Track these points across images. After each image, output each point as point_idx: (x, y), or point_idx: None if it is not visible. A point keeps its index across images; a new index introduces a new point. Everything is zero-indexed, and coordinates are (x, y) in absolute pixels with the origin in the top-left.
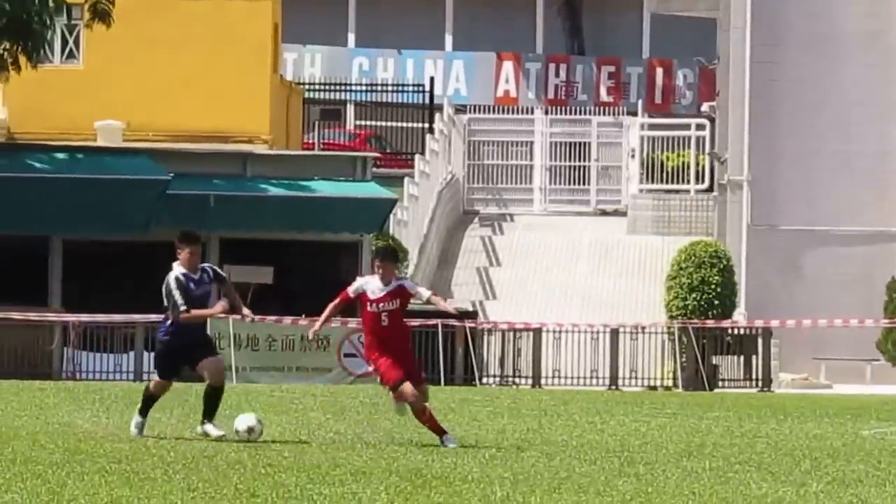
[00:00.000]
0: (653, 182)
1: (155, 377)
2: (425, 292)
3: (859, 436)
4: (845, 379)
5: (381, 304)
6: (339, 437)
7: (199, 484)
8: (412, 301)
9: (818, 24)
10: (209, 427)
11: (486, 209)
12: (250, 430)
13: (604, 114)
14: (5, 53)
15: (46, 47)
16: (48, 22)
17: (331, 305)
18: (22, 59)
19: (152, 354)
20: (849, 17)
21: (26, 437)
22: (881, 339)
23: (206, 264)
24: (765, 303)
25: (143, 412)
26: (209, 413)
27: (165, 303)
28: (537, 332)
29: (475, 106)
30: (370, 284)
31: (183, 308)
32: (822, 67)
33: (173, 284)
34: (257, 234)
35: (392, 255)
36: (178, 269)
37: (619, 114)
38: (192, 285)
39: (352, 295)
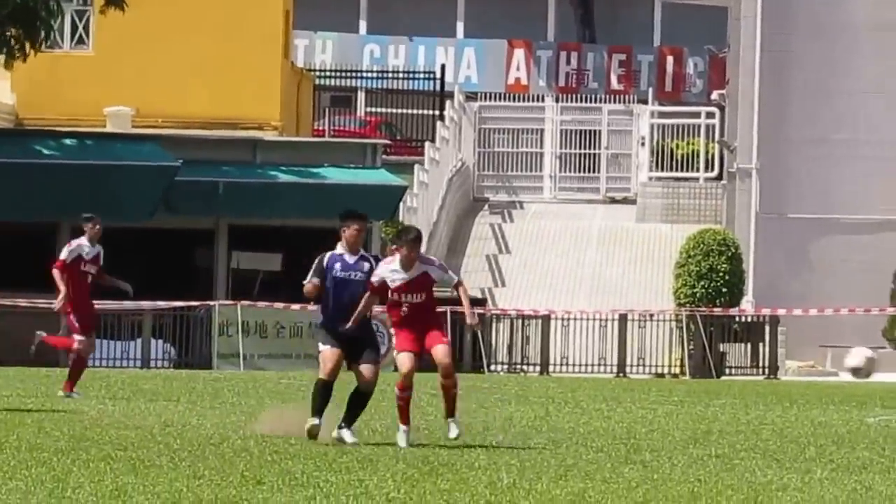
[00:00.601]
0: (662, 170)
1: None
2: (454, 278)
3: (864, 423)
4: None
5: (404, 295)
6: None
7: (206, 471)
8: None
9: (829, 12)
10: (345, 433)
11: (496, 196)
12: (869, 359)
13: (614, 101)
14: (12, 40)
15: (55, 33)
16: (55, 9)
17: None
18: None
19: (160, 342)
20: (859, 6)
21: (32, 425)
22: (887, 327)
23: (371, 255)
24: (772, 291)
25: (350, 421)
26: (350, 419)
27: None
28: (546, 320)
29: (486, 93)
30: (388, 272)
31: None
32: (833, 56)
33: (317, 261)
34: (266, 221)
35: (403, 236)
36: (338, 248)
37: (629, 102)
38: (337, 265)
39: (376, 285)
